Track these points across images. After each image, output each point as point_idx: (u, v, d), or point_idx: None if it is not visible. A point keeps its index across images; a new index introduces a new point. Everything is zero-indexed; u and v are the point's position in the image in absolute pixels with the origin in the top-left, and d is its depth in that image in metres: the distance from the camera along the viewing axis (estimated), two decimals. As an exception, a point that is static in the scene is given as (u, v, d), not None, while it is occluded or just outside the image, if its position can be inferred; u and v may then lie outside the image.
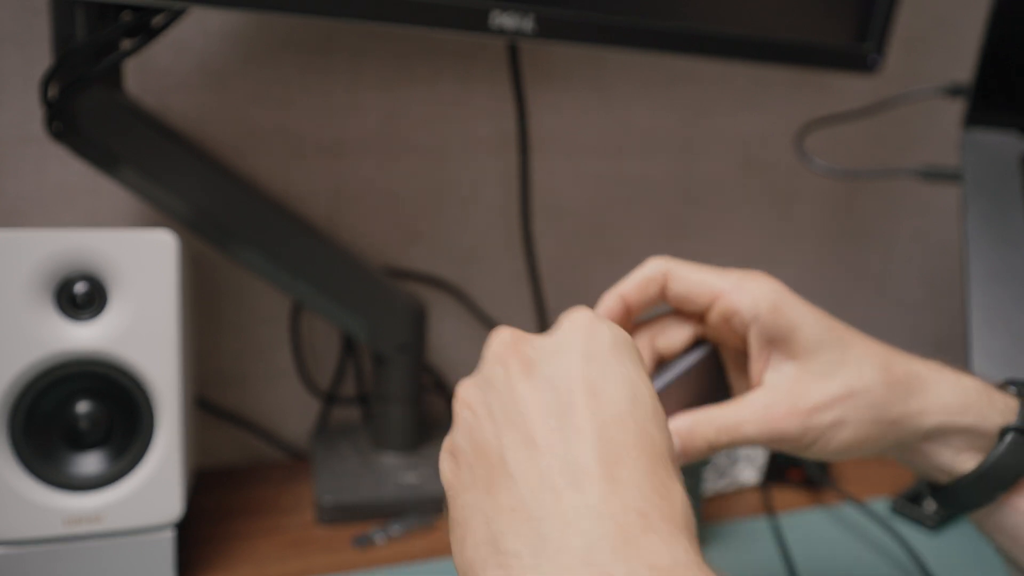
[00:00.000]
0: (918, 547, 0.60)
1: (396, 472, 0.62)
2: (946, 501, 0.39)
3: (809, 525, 0.62)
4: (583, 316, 0.30)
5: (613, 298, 0.40)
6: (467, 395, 0.29)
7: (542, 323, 0.75)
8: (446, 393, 0.75)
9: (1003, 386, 0.39)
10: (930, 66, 0.87)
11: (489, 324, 0.75)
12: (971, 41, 0.85)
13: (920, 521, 0.63)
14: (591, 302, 0.79)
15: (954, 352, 0.99)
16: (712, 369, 0.41)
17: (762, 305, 0.37)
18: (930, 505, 0.64)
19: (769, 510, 0.63)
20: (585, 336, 0.29)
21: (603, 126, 0.76)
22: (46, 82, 0.48)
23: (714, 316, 0.39)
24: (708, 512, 0.63)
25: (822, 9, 0.61)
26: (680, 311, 0.41)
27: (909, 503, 0.64)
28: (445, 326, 0.74)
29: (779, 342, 0.37)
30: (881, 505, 0.66)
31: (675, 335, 0.40)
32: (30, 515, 0.45)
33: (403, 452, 0.65)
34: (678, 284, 0.39)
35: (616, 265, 0.79)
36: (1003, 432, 0.36)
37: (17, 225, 0.59)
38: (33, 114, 0.58)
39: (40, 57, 0.57)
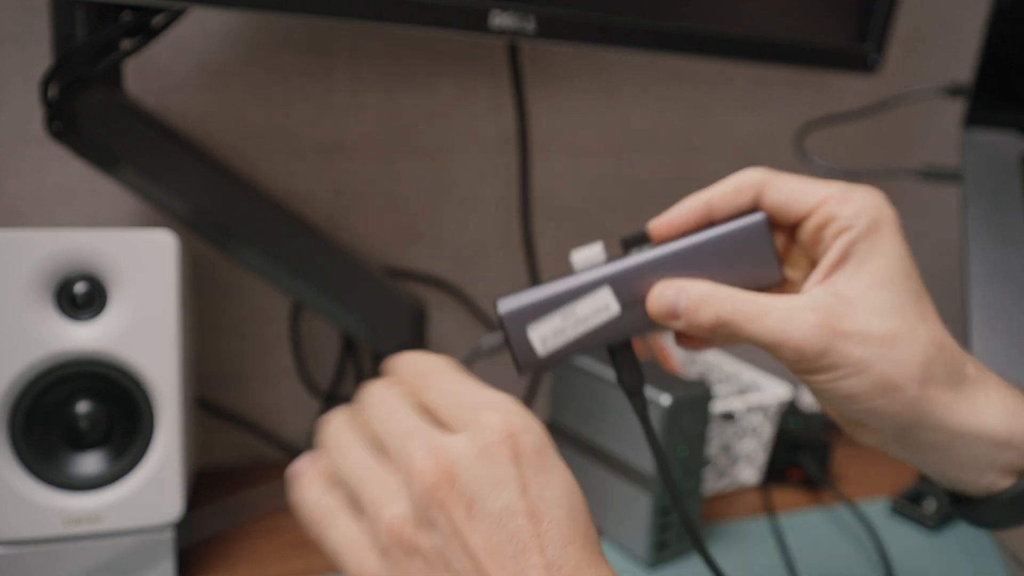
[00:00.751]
0: (918, 547, 0.60)
1: (396, 472, 0.62)
2: (975, 518, 0.36)
3: (809, 525, 0.62)
4: (498, 421, 0.29)
5: (697, 202, 0.36)
6: (411, 537, 0.28)
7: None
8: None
9: None
10: (930, 66, 0.87)
11: (489, 324, 0.75)
12: (971, 41, 0.85)
13: (920, 521, 0.63)
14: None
15: (954, 352, 0.99)
16: (759, 243, 0.35)
17: (863, 218, 0.34)
18: (930, 505, 0.64)
19: (769, 510, 0.63)
20: (511, 452, 0.28)
21: (603, 126, 0.76)
22: (46, 82, 0.48)
23: (810, 225, 0.35)
24: (708, 512, 0.63)
25: (822, 9, 0.61)
26: (775, 222, 0.36)
27: (909, 503, 0.64)
28: (445, 326, 0.74)
29: (855, 260, 0.34)
30: (881, 505, 0.66)
31: (731, 197, 0.36)
32: (30, 515, 0.45)
33: (403, 452, 0.65)
34: (777, 193, 0.35)
35: (616, 265, 0.79)
36: None
37: (17, 225, 0.59)
38: (33, 114, 0.58)
39: (40, 57, 0.57)
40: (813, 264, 0.36)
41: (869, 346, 0.33)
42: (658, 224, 0.36)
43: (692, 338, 0.37)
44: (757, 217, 0.35)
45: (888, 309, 0.33)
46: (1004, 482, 0.34)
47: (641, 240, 0.35)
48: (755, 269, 0.35)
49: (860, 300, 0.33)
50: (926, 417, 0.33)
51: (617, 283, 0.34)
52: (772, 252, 0.35)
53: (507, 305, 0.33)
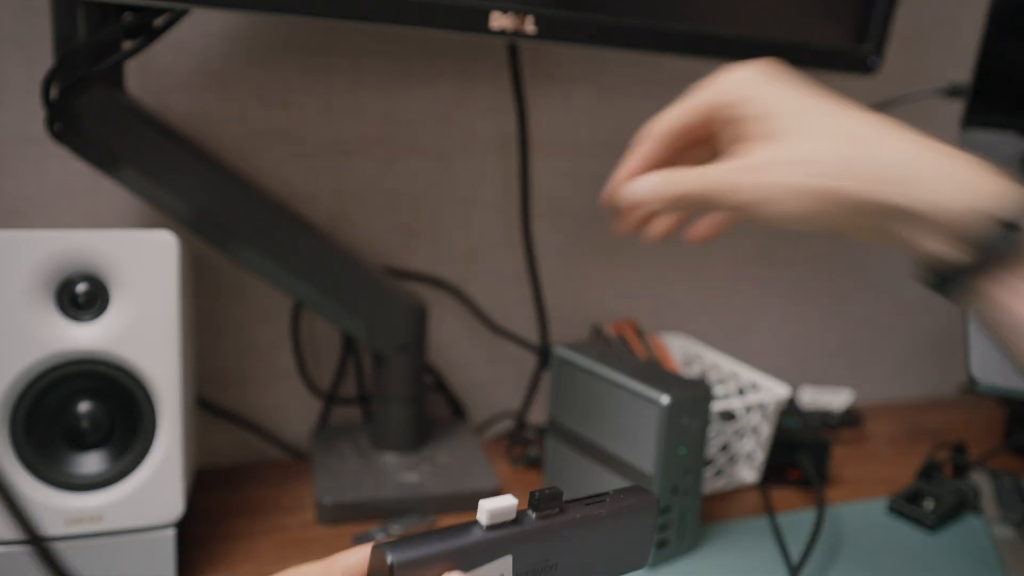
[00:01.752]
0: (916, 546, 0.60)
1: (396, 471, 0.62)
2: (939, 283, 0.36)
3: (807, 525, 0.62)
4: None
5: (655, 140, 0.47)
6: None
7: (542, 322, 0.75)
8: (446, 393, 0.75)
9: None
10: (929, 67, 0.87)
11: (489, 324, 0.75)
12: (970, 42, 0.85)
13: (918, 521, 0.63)
14: (591, 301, 0.79)
15: (954, 352, 1.00)
16: (646, 525, 0.35)
17: (749, 94, 0.41)
18: (928, 505, 0.64)
19: (768, 509, 0.63)
20: None
21: (603, 126, 0.76)
22: (47, 82, 0.48)
23: (717, 124, 0.43)
24: (707, 511, 0.63)
25: (821, 11, 0.62)
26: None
27: (907, 503, 0.64)
28: (445, 326, 0.74)
29: (744, 126, 0.40)
30: (879, 504, 0.66)
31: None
32: (32, 514, 0.45)
33: (403, 452, 0.65)
34: (664, 125, 0.46)
35: (616, 265, 0.80)
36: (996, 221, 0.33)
37: (18, 225, 0.60)
38: (34, 114, 0.58)
39: (41, 57, 0.57)
40: None
41: (781, 167, 0.40)
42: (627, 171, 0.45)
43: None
44: (650, 500, 0.35)
45: (788, 136, 0.40)
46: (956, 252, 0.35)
47: (553, 498, 0.32)
48: (633, 549, 0.34)
49: (765, 143, 0.40)
50: (876, 218, 0.38)
51: (520, 551, 0.31)
52: (652, 536, 0.35)
53: (399, 555, 0.28)
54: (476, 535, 0.30)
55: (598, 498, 0.33)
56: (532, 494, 0.31)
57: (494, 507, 0.30)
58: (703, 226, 0.50)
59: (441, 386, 0.75)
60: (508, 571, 0.30)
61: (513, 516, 0.30)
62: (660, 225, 0.48)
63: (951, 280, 0.35)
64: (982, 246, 0.34)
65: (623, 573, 0.34)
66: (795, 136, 0.38)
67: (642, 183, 0.42)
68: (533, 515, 0.31)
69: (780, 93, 0.40)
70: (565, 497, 0.32)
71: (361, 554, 0.30)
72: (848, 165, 0.37)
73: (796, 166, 0.38)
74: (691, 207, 0.41)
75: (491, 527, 0.30)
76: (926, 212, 0.35)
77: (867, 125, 0.39)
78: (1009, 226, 0.33)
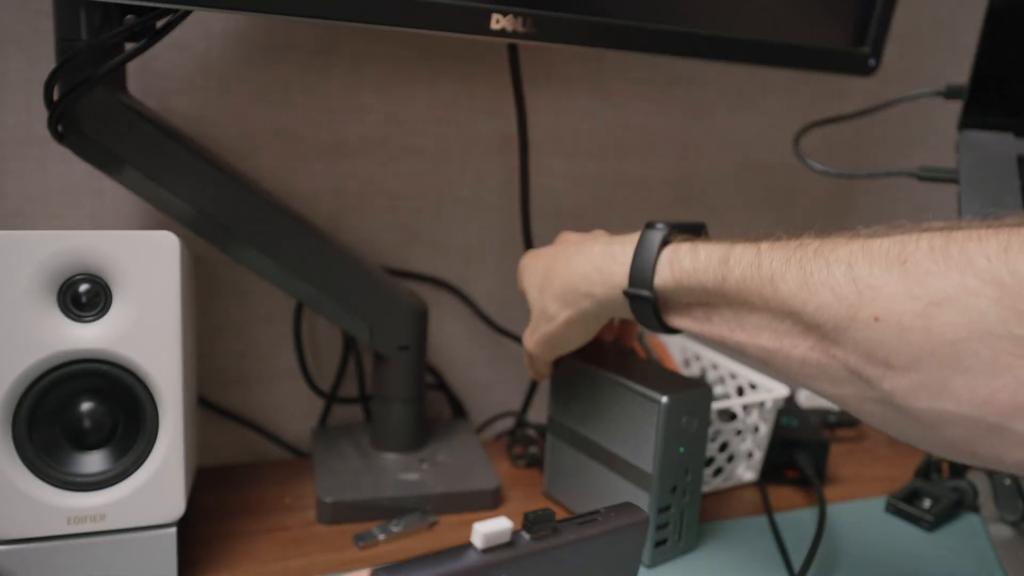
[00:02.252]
0: (913, 546, 0.61)
1: (397, 471, 0.63)
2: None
3: (805, 523, 0.62)
4: None
5: None
6: None
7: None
8: (447, 393, 0.75)
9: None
10: (927, 68, 0.87)
11: (490, 324, 0.76)
12: (967, 43, 0.85)
13: (915, 520, 0.63)
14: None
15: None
16: (636, 544, 0.36)
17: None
18: (925, 504, 0.64)
19: (766, 509, 0.64)
20: None
21: (603, 127, 0.76)
22: (50, 83, 0.48)
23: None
24: (706, 510, 0.63)
25: (820, 12, 0.62)
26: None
27: (905, 502, 0.65)
28: (445, 326, 0.75)
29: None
30: (877, 504, 0.66)
31: None
32: (34, 514, 0.45)
33: (404, 451, 0.65)
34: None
35: (615, 265, 0.80)
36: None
37: (21, 226, 0.60)
38: (37, 115, 0.58)
39: (44, 59, 0.58)
40: None
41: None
42: None
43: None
44: (641, 516, 0.35)
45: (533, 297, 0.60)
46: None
47: (547, 520, 0.32)
48: (623, 565, 0.35)
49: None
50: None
51: (515, 572, 0.31)
52: (641, 552, 0.36)
53: None
54: (472, 558, 0.30)
55: (590, 517, 0.34)
56: (526, 516, 0.32)
57: (489, 530, 0.30)
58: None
59: (442, 386, 0.75)
60: None
61: (508, 539, 0.31)
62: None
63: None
64: (632, 302, 0.49)
65: None
66: (530, 295, 0.57)
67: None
68: (527, 537, 0.31)
69: (520, 270, 0.60)
70: (564, 495, 0.32)
71: None
72: (552, 300, 0.54)
73: (539, 321, 0.56)
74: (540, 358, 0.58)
75: (486, 550, 0.30)
76: (607, 294, 0.50)
77: (553, 261, 0.55)
78: (634, 295, 0.48)
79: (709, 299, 0.45)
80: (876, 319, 0.35)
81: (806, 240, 0.40)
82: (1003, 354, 0.31)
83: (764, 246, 0.42)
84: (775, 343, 0.41)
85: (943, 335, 0.33)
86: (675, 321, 0.49)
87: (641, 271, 0.47)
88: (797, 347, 0.40)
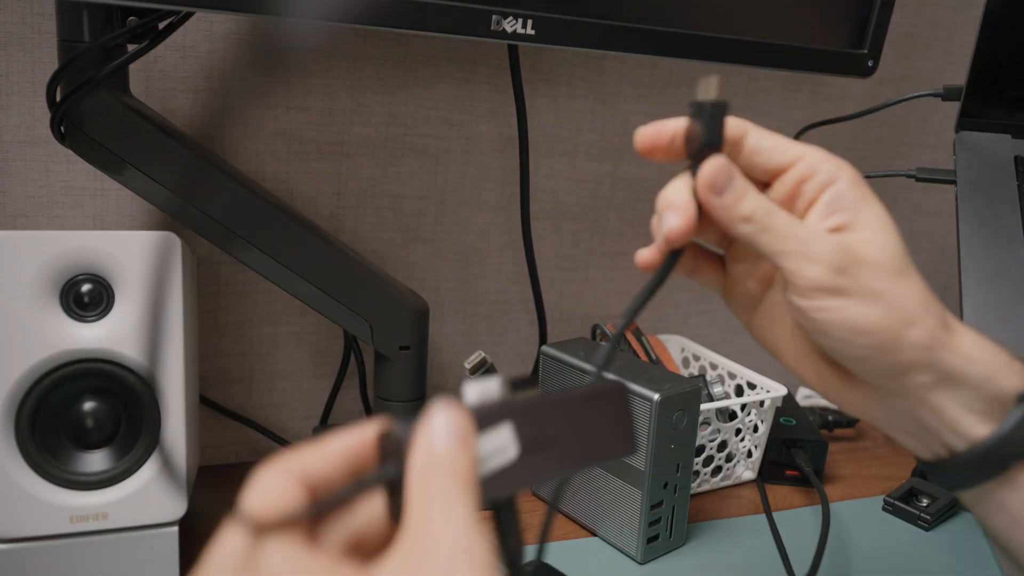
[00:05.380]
0: (912, 545, 0.61)
1: (397, 470, 0.63)
2: (952, 473, 0.36)
3: (804, 523, 0.62)
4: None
5: (672, 127, 0.36)
6: None
7: (542, 323, 0.76)
8: (447, 392, 0.75)
9: (1014, 355, 0.37)
10: (924, 69, 0.88)
11: (490, 324, 0.76)
12: (965, 45, 0.85)
13: (914, 519, 0.64)
14: (591, 301, 0.79)
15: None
16: (622, 405, 0.33)
17: (845, 173, 0.35)
18: (923, 503, 0.65)
19: (765, 508, 0.64)
20: None
21: (602, 128, 0.76)
22: (52, 85, 0.49)
23: (790, 178, 0.36)
24: (704, 509, 0.64)
25: (818, 14, 0.62)
26: (746, 173, 0.37)
27: (902, 501, 0.65)
28: (446, 326, 0.75)
29: (848, 211, 0.35)
30: (874, 502, 0.66)
31: None
32: (37, 512, 0.46)
33: (404, 451, 0.65)
34: (761, 139, 0.37)
35: (615, 265, 0.80)
36: (1021, 397, 0.34)
37: (23, 227, 0.60)
38: (40, 116, 0.58)
39: (46, 60, 0.58)
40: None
41: (882, 278, 0.34)
42: (642, 135, 0.36)
43: (691, 252, 0.39)
44: (618, 384, 0.33)
45: (892, 250, 0.35)
46: (982, 428, 0.35)
47: (530, 380, 0.31)
48: (620, 435, 0.33)
49: (870, 238, 0.35)
50: (930, 354, 0.34)
51: (519, 420, 0.28)
52: (632, 422, 0.33)
53: (409, 432, 0.27)
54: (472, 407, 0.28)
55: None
56: (510, 380, 0.30)
57: (480, 385, 0.28)
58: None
59: (442, 386, 0.75)
60: (510, 441, 0.28)
61: (498, 392, 0.29)
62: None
63: (984, 459, 0.36)
64: None
65: (617, 456, 0.33)
66: None
67: (733, 176, 0.36)
68: (515, 392, 0.30)
69: None
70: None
71: (359, 437, 0.28)
72: None
73: None
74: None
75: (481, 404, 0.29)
76: None
77: None
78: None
79: None
80: None
81: None
82: None
83: None
84: None
85: None
86: None
87: None
88: None
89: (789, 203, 0.36)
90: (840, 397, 0.38)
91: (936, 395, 0.35)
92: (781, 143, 0.37)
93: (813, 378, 0.39)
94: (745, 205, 0.34)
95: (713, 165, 0.35)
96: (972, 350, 0.35)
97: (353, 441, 0.28)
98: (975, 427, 0.35)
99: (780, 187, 0.37)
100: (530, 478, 0.28)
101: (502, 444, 0.28)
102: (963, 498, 0.37)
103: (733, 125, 0.37)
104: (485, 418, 0.27)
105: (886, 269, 0.34)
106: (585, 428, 0.31)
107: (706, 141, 0.35)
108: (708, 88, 0.35)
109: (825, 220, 0.35)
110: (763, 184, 0.37)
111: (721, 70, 0.80)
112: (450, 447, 0.25)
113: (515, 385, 0.30)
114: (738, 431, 0.66)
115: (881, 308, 0.34)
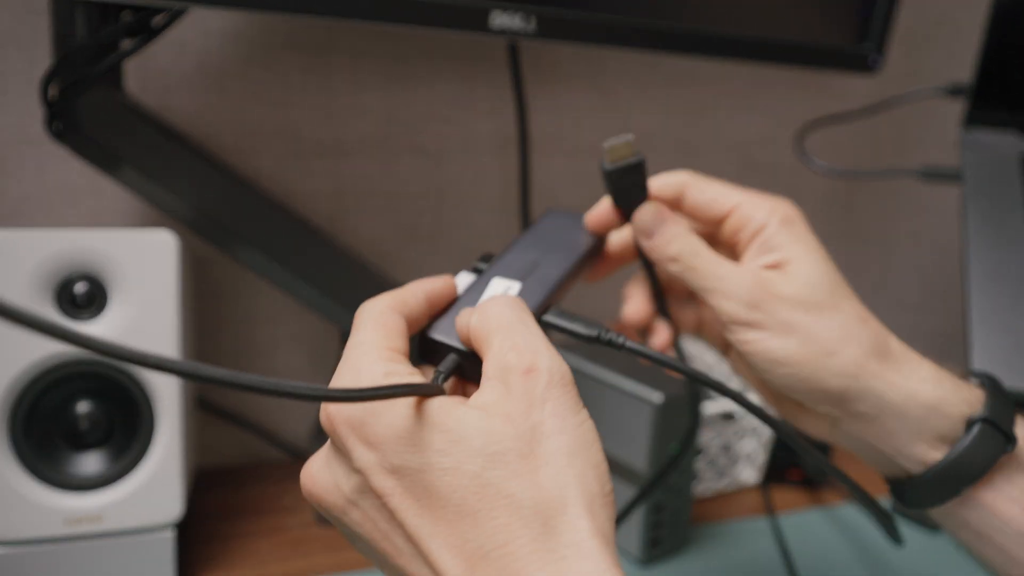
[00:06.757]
0: (917, 545, 0.60)
1: (396, 472, 0.62)
2: (910, 494, 0.37)
3: (808, 525, 0.62)
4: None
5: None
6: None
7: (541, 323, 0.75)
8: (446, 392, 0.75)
9: (965, 377, 0.39)
10: (930, 66, 0.87)
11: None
12: (971, 41, 0.85)
13: (919, 521, 0.63)
14: (590, 301, 0.79)
15: (954, 352, 1.00)
16: (573, 222, 0.43)
17: (775, 216, 0.38)
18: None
19: (769, 510, 0.63)
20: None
21: (603, 126, 0.76)
22: (46, 82, 0.48)
23: (727, 228, 0.39)
24: (708, 512, 0.63)
25: (822, 9, 0.62)
26: (695, 221, 0.41)
27: (909, 503, 0.64)
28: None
29: (775, 252, 0.37)
30: (880, 503, 0.66)
31: (656, 192, 0.42)
32: (31, 515, 0.45)
33: (403, 452, 0.65)
34: (699, 194, 0.40)
35: (616, 265, 0.80)
36: (970, 423, 0.35)
37: (18, 225, 0.60)
38: (34, 115, 0.58)
39: (41, 58, 0.57)
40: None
41: (797, 311, 0.36)
42: (590, 217, 0.41)
43: (609, 262, 0.44)
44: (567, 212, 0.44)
45: (813, 283, 0.36)
46: (934, 453, 0.36)
47: (492, 256, 0.39)
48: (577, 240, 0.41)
49: (789, 274, 0.37)
50: (858, 384, 0.36)
51: (505, 269, 0.37)
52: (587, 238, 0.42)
53: (440, 333, 0.35)
54: (464, 286, 0.37)
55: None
56: (481, 258, 0.38)
57: (464, 278, 0.37)
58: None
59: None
60: (509, 282, 0.37)
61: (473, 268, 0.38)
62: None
63: (937, 482, 0.39)
64: None
65: (591, 250, 0.41)
66: None
67: (663, 221, 0.41)
68: (490, 262, 0.38)
69: None
70: None
71: (436, 281, 0.35)
72: None
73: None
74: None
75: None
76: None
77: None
78: None
79: None
80: None
81: None
82: None
83: None
84: None
85: None
86: None
87: None
88: None
89: (732, 247, 0.40)
90: (799, 423, 0.40)
91: (882, 423, 0.36)
92: (719, 195, 0.40)
93: (777, 406, 0.41)
94: (672, 247, 0.38)
95: (641, 213, 0.39)
96: (913, 379, 0.36)
97: (432, 284, 0.34)
98: (927, 453, 0.36)
99: (724, 231, 0.40)
100: (540, 291, 0.36)
101: (506, 286, 0.36)
102: (931, 514, 0.38)
103: (672, 183, 0.41)
104: (482, 281, 0.37)
105: (802, 302, 0.36)
106: (552, 244, 0.40)
107: (635, 198, 0.40)
108: (618, 151, 0.40)
109: (758, 259, 0.38)
110: (713, 226, 0.41)
111: (723, 67, 0.79)
112: (502, 301, 0.31)
113: (485, 259, 0.38)
114: (741, 434, 0.65)
115: (797, 340, 0.36)
